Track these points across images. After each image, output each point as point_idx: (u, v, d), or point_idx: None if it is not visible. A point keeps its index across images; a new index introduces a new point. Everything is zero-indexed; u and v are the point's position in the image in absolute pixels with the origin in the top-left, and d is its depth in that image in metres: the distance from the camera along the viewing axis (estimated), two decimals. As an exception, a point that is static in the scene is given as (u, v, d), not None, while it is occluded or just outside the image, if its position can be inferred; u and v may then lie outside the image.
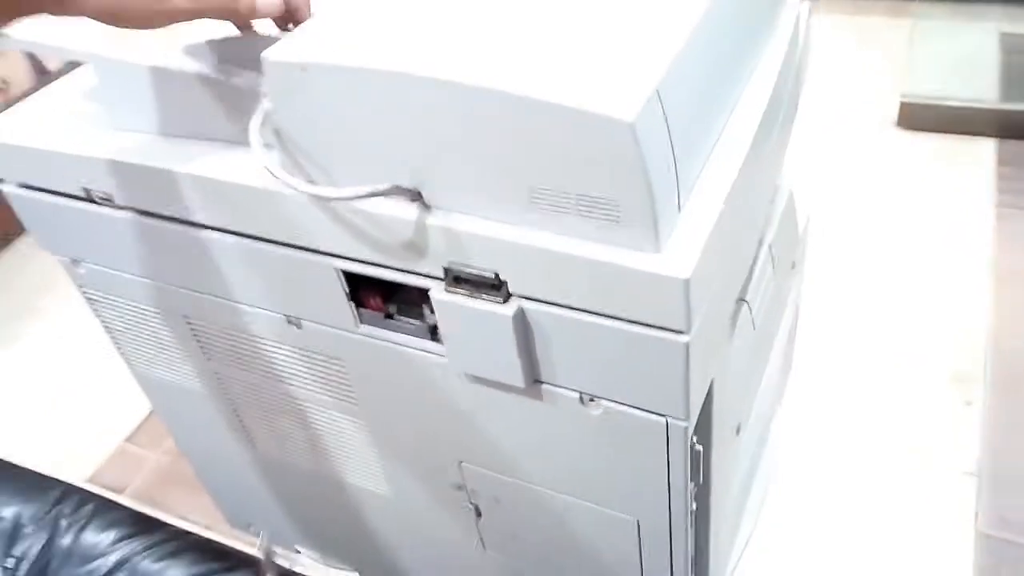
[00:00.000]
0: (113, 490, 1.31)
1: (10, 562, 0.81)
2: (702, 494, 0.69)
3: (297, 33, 0.54)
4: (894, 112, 1.81)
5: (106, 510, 0.85)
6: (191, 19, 0.52)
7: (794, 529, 1.11)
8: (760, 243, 0.78)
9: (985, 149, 1.71)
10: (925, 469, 1.16)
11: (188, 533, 0.83)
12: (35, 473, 0.90)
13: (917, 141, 1.77)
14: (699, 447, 0.61)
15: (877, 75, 1.95)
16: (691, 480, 0.62)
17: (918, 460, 1.17)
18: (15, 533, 0.82)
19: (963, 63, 1.85)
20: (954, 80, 1.79)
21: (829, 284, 1.43)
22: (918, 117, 1.79)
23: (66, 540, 0.81)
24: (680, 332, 0.51)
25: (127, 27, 0.50)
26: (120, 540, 0.81)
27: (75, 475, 1.32)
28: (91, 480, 1.33)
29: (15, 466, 0.91)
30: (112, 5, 0.48)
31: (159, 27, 0.51)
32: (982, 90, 1.76)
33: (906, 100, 1.79)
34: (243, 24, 0.58)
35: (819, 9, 2.20)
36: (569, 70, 0.48)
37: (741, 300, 0.73)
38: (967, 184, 1.64)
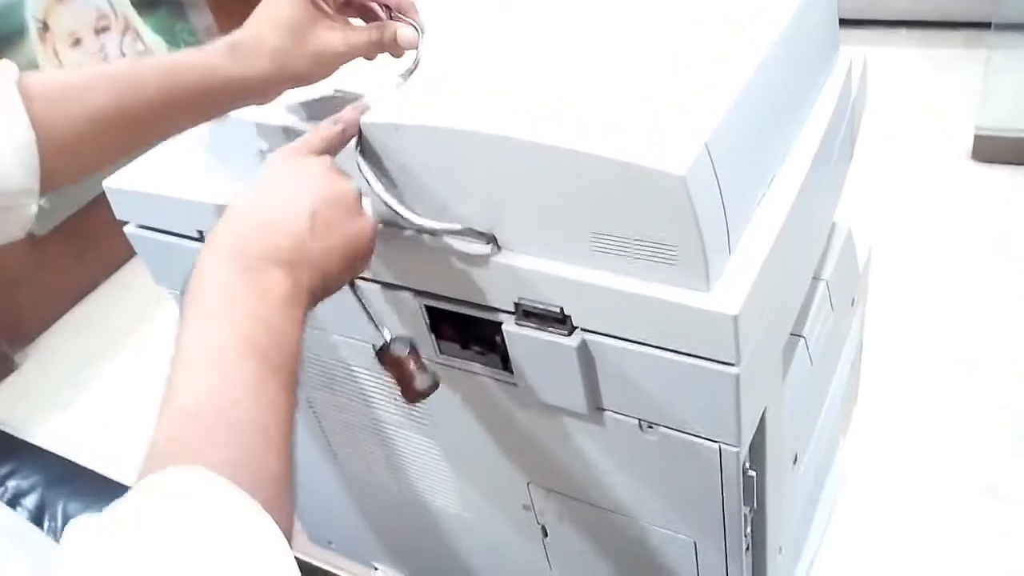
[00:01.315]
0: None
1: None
2: (758, 519, 0.72)
3: (391, 97, 0.61)
4: (969, 144, 1.78)
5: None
6: (348, 60, 0.61)
7: (856, 560, 1.10)
8: (816, 280, 0.81)
9: (1062, 183, 1.68)
10: (995, 505, 1.14)
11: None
12: (124, 487, 0.98)
13: (992, 174, 1.75)
14: (752, 473, 0.64)
15: (952, 107, 1.92)
16: (745, 504, 0.65)
17: (989, 496, 1.15)
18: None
19: (1040, 95, 1.81)
20: (1030, 112, 1.76)
21: (900, 318, 1.43)
22: (993, 149, 1.75)
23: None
24: (730, 364, 0.54)
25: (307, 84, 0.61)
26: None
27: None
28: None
29: (106, 479, 0.98)
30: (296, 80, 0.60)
31: (325, 78, 0.61)
32: (1059, 122, 1.73)
33: (981, 132, 1.77)
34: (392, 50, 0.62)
35: (894, 41, 2.20)
36: (628, 127, 0.53)
37: (797, 335, 0.76)
38: (1043, 218, 1.61)
